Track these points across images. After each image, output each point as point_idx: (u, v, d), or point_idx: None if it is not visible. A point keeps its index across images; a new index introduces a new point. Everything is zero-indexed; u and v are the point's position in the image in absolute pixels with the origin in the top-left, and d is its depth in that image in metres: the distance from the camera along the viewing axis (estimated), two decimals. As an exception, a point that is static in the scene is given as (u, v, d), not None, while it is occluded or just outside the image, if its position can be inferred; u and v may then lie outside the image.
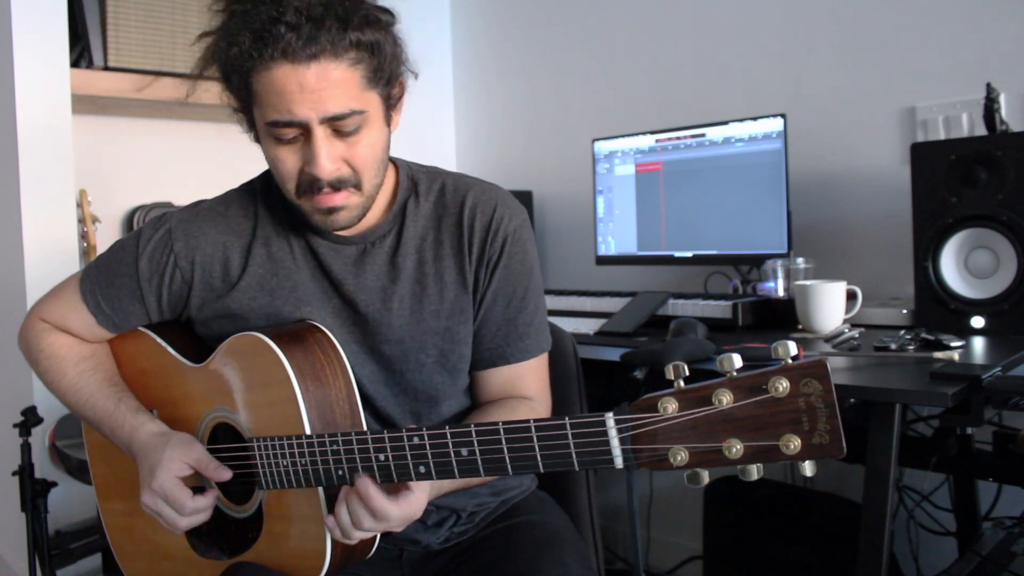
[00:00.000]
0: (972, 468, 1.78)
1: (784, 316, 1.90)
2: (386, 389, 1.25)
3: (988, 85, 1.75)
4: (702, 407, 0.83)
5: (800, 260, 1.99)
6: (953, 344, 1.50)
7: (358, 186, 1.14)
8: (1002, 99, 1.82)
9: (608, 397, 1.66)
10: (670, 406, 0.84)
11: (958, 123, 1.97)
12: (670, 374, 0.85)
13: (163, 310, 1.28)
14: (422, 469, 1.01)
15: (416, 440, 1.00)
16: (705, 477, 0.85)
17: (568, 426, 0.90)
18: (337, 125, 1.09)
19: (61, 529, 1.86)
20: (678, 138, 2.22)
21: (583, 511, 1.46)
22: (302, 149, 1.11)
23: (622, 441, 0.87)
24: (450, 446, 0.98)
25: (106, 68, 2.28)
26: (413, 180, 1.28)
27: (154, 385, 1.31)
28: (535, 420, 0.93)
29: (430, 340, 1.24)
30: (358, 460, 1.04)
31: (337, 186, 1.12)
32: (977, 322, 1.68)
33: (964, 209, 1.70)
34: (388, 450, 1.02)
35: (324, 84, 1.06)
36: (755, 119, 2.07)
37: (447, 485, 1.19)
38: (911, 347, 1.52)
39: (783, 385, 0.79)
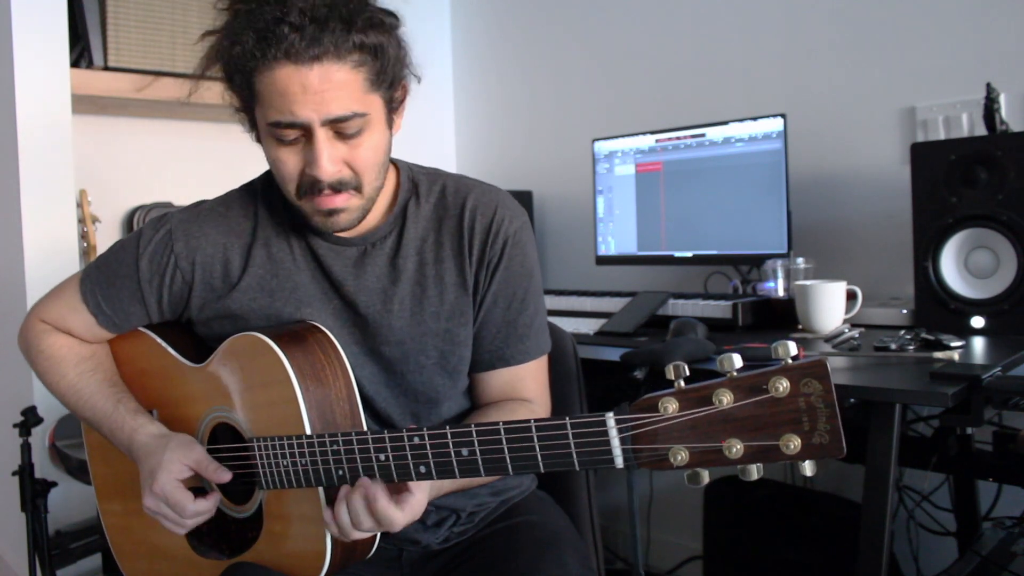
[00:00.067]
0: (972, 468, 1.78)
1: (784, 316, 1.90)
2: (386, 390, 1.25)
3: (988, 85, 1.75)
4: (702, 407, 0.83)
5: (800, 260, 1.99)
6: (953, 344, 1.50)
7: (359, 188, 1.14)
8: (1002, 99, 1.82)
9: (608, 397, 1.66)
10: (670, 406, 0.84)
11: (958, 123, 1.97)
12: (670, 374, 0.85)
13: (163, 311, 1.28)
14: (422, 469, 1.01)
15: (416, 440, 1.00)
16: (705, 477, 0.85)
17: (568, 426, 0.90)
18: (339, 127, 1.09)
19: (61, 529, 1.86)
20: (678, 138, 2.22)
21: (583, 511, 1.46)
22: (303, 150, 1.11)
23: (622, 441, 0.87)
24: (450, 446, 0.98)
25: (106, 68, 2.28)
26: (414, 182, 1.28)
27: (154, 385, 1.31)
28: (535, 420, 0.93)
29: (430, 342, 1.24)
30: (358, 460, 1.04)
31: (338, 188, 1.12)
32: (977, 322, 1.68)
33: (964, 209, 1.70)
34: (388, 450, 1.02)
35: (327, 86, 1.05)
36: (755, 119, 2.07)
37: (447, 485, 1.19)
38: (911, 347, 1.52)
39: (783, 385, 0.79)
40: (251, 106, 1.13)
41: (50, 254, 2.13)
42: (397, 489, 1.04)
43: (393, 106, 1.17)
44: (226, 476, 1.15)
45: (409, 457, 1.01)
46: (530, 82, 2.96)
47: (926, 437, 1.84)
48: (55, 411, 1.88)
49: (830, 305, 1.74)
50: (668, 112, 2.50)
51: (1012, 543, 1.74)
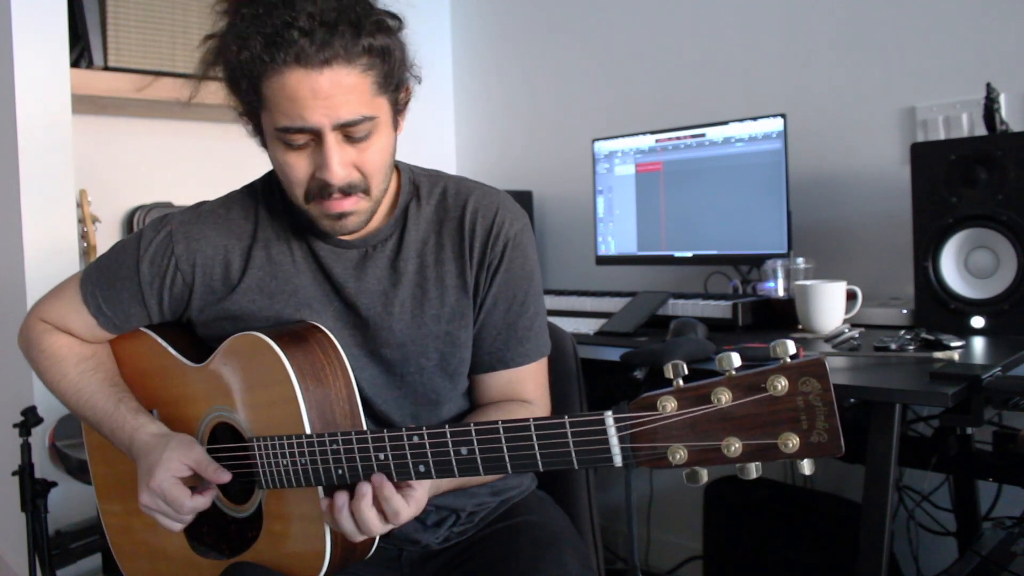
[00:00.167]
0: (972, 468, 1.78)
1: (784, 316, 1.90)
2: (386, 392, 1.25)
3: (988, 85, 1.75)
4: (701, 406, 0.83)
5: (800, 260, 1.99)
6: (953, 344, 1.50)
7: (367, 191, 1.14)
8: (1002, 99, 1.82)
9: (608, 397, 1.66)
10: (669, 405, 0.84)
11: (958, 123, 1.97)
12: (669, 373, 0.85)
13: (164, 312, 1.28)
14: (422, 468, 1.01)
15: (416, 439, 1.00)
16: (704, 476, 0.85)
17: (567, 425, 0.90)
18: (348, 131, 1.09)
19: (61, 529, 1.86)
20: (678, 138, 2.22)
21: (583, 511, 1.46)
22: (312, 155, 1.11)
23: (621, 440, 0.87)
24: (450, 445, 0.98)
25: (106, 68, 2.28)
26: (415, 184, 1.28)
27: (154, 385, 1.31)
28: (534, 419, 0.93)
29: (431, 344, 1.24)
30: (358, 459, 1.04)
31: (347, 191, 1.12)
32: (977, 322, 1.68)
33: (964, 209, 1.70)
34: (388, 449, 1.02)
35: (337, 90, 1.05)
36: (755, 119, 2.07)
37: (445, 484, 1.19)
38: (911, 347, 1.52)
39: (782, 384, 0.80)
40: (257, 111, 1.12)
41: (50, 254, 2.13)
42: (398, 487, 1.04)
43: (398, 108, 1.17)
44: (225, 477, 1.15)
45: (408, 456, 1.01)
46: (530, 82, 2.96)
47: (926, 437, 1.84)
48: (55, 411, 1.88)
49: (830, 305, 1.74)
50: (668, 112, 2.50)
51: (1012, 543, 1.74)
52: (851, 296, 1.78)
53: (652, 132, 2.29)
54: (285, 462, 1.10)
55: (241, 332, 1.19)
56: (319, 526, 1.11)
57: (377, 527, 1.03)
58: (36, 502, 1.69)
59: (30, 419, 1.69)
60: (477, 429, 0.96)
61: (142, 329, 1.32)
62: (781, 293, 2.01)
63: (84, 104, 2.31)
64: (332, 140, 1.08)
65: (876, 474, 1.33)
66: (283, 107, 1.06)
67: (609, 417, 0.88)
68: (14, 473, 1.70)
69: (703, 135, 2.17)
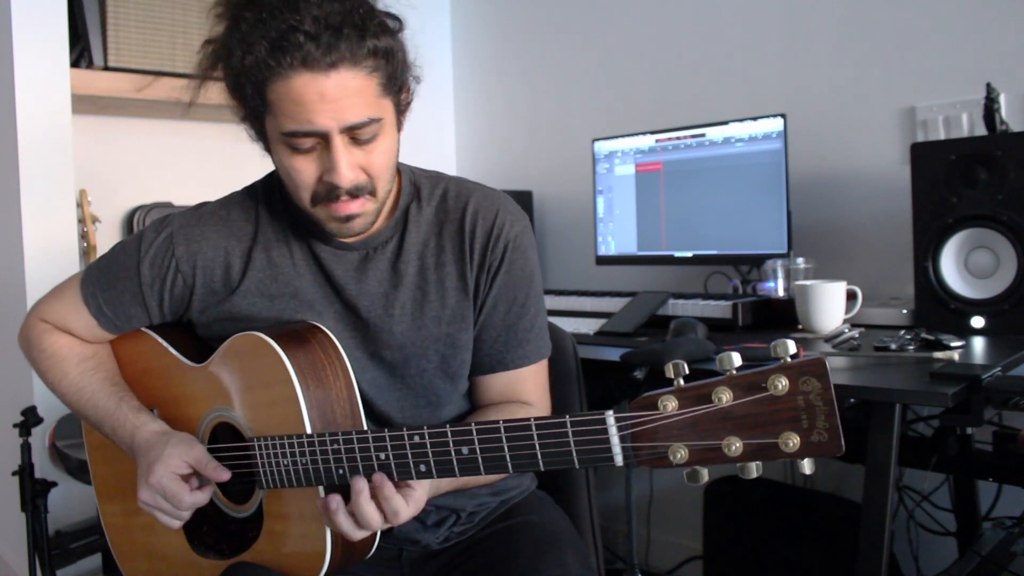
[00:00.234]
0: (972, 468, 1.78)
1: (784, 316, 1.90)
2: (387, 394, 1.25)
3: (988, 85, 1.75)
4: (702, 405, 0.83)
5: (800, 260, 1.99)
6: (953, 344, 1.50)
7: (373, 192, 1.14)
8: (1002, 99, 1.82)
9: (608, 397, 1.67)
10: (670, 404, 0.84)
11: (958, 123, 1.97)
12: (670, 372, 0.85)
13: (165, 313, 1.28)
14: (422, 468, 1.01)
15: (417, 439, 1.00)
16: (705, 475, 0.85)
17: (568, 424, 0.91)
18: (355, 133, 1.09)
19: (61, 529, 1.86)
20: (678, 138, 2.22)
21: (583, 511, 1.46)
22: (319, 158, 1.10)
23: (622, 439, 0.87)
24: (450, 444, 0.98)
25: (106, 68, 2.28)
26: (415, 185, 1.28)
27: (155, 385, 1.31)
28: (535, 419, 0.93)
29: (431, 346, 1.24)
30: (359, 459, 1.04)
31: (355, 193, 1.12)
32: (977, 322, 1.68)
33: (964, 209, 1.70)
34: (388, 448, 1.02)
35: (344, 93, 1.05)
36: (755, 119, 2.07)
37: (444, 485, 1.19)
38: (911, 347, 1.52)
39: (782, 383, 0.80)
40: (261, 116, 1.12)
41: (50, 254, 2.13)
42: (398, 486, 1.04)
43: (401, 108, 1.17)
44: (225, 475, 1.15)
45: (409, 456, 1.01)
46: (530, 82, 2.97)
47: (926, 437, 1.84)
48: (55, 411, 1.88)
49: (830, 305, 1.74)
50: (668, 112, 2.51)
51: (1012, 543, 1.75)
52: (851, 296, 1.78)
53: (652, 132, 2.29)
54: (286, 462, 1.10)
55: (242, 332, 1.19)
56: (319, 526, 1.11)
57: (376, 521, 1.03)
58: (36, 502, 1.69)
59: (30, 419, 1.69)
60: (478, 428, 0.96)
61: (143, 329, 1.32)
62: (781, 293, 2.01)
63: (84, 104, 2.31)
64: (339, 143, 1.08)
65: (876, 474, 1.33)
66: (290, 111, 1.06)
67: (610, 416, 0.88)
68: (14, 473, 1.70)
69: (703, 135, 2.17)
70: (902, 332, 1.62)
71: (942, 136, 1.98)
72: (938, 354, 1.43)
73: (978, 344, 1.61)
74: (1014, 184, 1.64)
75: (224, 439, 1.22)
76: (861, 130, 2.15)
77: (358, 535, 1.05)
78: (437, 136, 3.17)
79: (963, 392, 1.28)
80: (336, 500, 1.04)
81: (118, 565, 1.39)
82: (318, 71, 1.03)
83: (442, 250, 1.25)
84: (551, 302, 2.22)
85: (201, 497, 1.16)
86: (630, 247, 2.36)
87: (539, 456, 0.93)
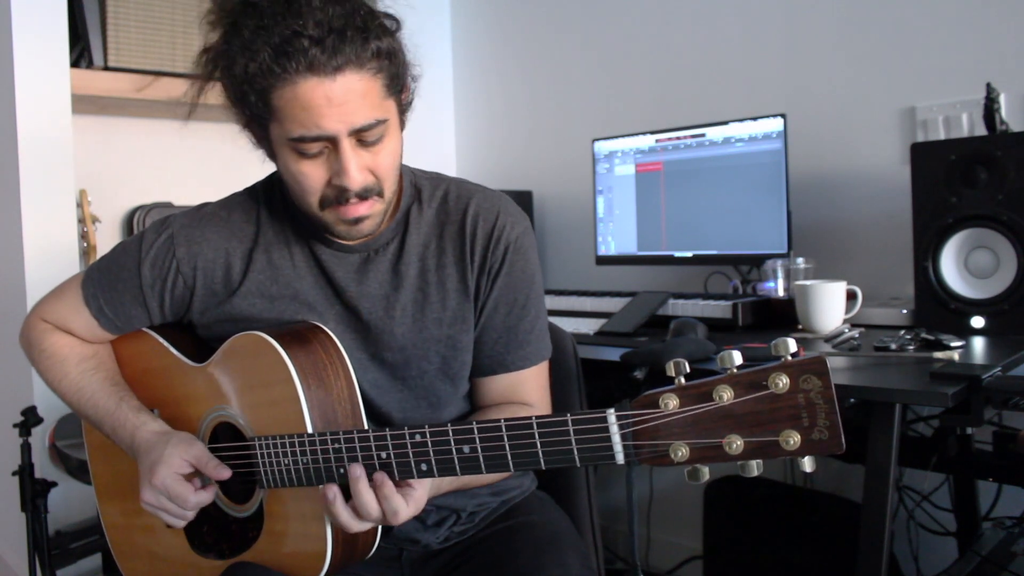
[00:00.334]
0: (972, 468, 1.78)
1: (784, 316, 1.90)
2: (388, 395, 1.25)
3: (988, 85, 1.75)
4: (703, 403, 0.83)
5: (800, 260, 1.99)
6: (953, 344, 1.50)
7: (381, 193, 1.14)
8: (1002, 99, 1.83)
9: (608, 397, 1.66)
10: (671, 402, 0.85)
11: (958, 123, 1.97)
12: (671, 371, 0.85)
13: (165, 314, 1.28)
14: (424, 467, 1.01)
15: (418, 437, 1.00)
16: (706, 473, 0.85)
17: (570, 422, 0.91)
18: (363, 136, 1.08)
19: (61, 529, 1.86)
20: (678, 138, 2.23)
21: (583, 511, 1.46)
22: (327, 162, 1.10)
23: (623, 437, 0.88)
24: (452, 443, 0.98)
25: (106, 68, 2.28)
26: (416, 187, 1.28)
27: (156, 384, 1.31)
28: (537, 417, 0.93)
29: (432, 348, 1.24)
30: (360, 458, 1.04)
31: (364, 195, 1.12)
32: (977, 322, 1.68)
33: (964, 209, 1.70)
34: (390, 448, 1.02)
35: (350, 96, 1.05)
36: (755, 119, 2.07)
37: (445, 484, 1.19)
38: (911, 347, 1.52)
39: (783, 381, 0.80)
40: (264, 122, 1.11)
41: (50, 254, 2.13)
42: (398, 485, 1.04)
43: (403, 108, 1.17)
44: (226, 473, 1.15)
45: (411, 455, 1.01)
46: (530, 82, 2.97)
47: (926, 437, 1.84)
48: (55, 411, 1.88)
49: (830, 305, 1.74)
50: (668, 112, 2.51)
51: (1012, 543, 1.75)
52: (851, 296, 1.78)
53: (652, 132, 2.29)
54: (287, 461, 1.10)
55: (242, 332, 1.19)
56: (320, 526, 1.11)
57: (375, 510, 1.03)
58: (36, 502, 1.69)
59: (30, 419, 1.69)
60: (479, 427, 0.96)
61: (144, 329, 1.32)
62: (781, 293, 2.01)
63: (84, 104, 2.31)
64: (347, 146, 1.08)
65: (876, 474, 1.33)
66: (297, 117, 1.06)
67: (611, 415, 0.88)
68: (14, 473, 1.70)
69: (703, 135, 2.17)
70: (902, 332, 1.62)
71: (942, 136, 1.98)
72: (938, 354, 1.43)
73: (978, 344, 1.61)
74: (1014, 184, 1.64)
75: (225, 439, 1.22)
76: (861, 130, 2.15)
77: (356, 526, 1.05)
78: (437, 136, 3.18)
79: (963, 392, 1.28)
80: (334, 490, 1.04)
81: (118, 565, 1.39)
82: (324, 75, 1.03)
83: (443, 252, 1.25)
84: (551, 302, 2.22)
85: (206, 496, 1.16)
86: (630, 247, 2.36)
87: (540, 454, 0.93)
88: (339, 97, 1.04)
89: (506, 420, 0.95)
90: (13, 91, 2.07)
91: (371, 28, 1.06)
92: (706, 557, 2.24)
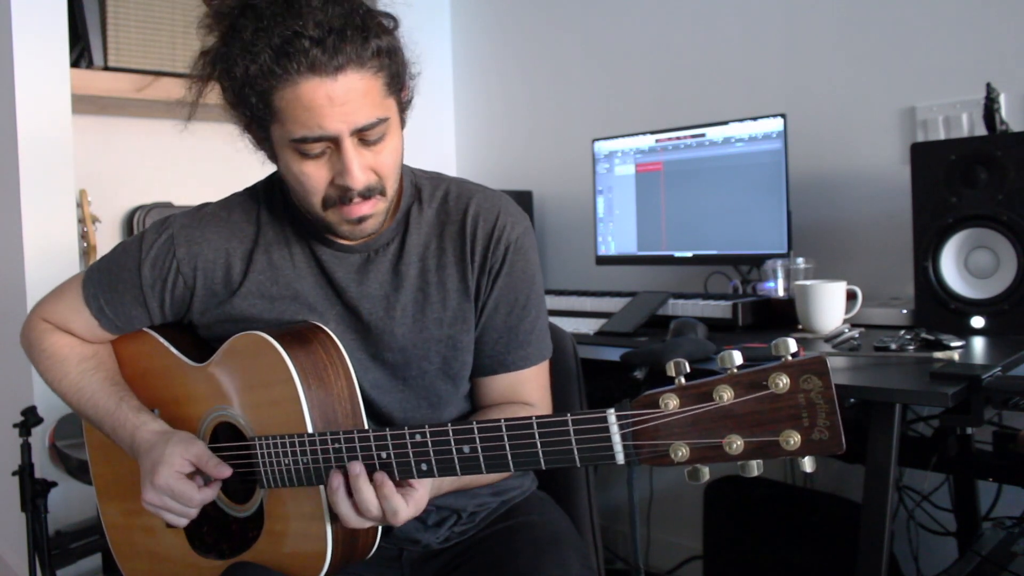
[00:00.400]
0: (972, 468, 1.78)
1: (784, 316, 1.90)
2: (388, 395, 1.25)
3: (988, 85, 1.75)
4: (703, 403, 0.83)
5: (800, 260, 1.99)
6: (953, 344, 1.50)
7: (383, 192, 1.14)
8: (1002, 99, 1.83)
9: (608, 397, 1.66)
10: (671, 402, 0.85)
11: (958, 123, 1.97)
12: (671, 371, 0.85)
13: (166, 314, 1.28)
14: (424, 466, 1.01)
15: (418, 437, 1.00)
16: (706, 473, 0.85)
17: (570, 422, 0.91)
18: (364, 135, 1.08)
19: (61, 529, 1.86)
20: (678, 138, 2.23)
21: (583, 511, 1.46)
22: (330, 162, 1.10)
23: (623, 437, 0.88)
24: (452, 443, 0.98)
25: (106, 68, 2.29)
26: (417, 187, 1.28)
27: (156, 384, 1.31)
28: (537, 417, 0.93)
29: (433, 348, 1.24)
30: (360, 458, 1.04)
31: (367, 195, 1.12)
32: (977, 322, 1.68)
33: (964, 209, 1.70)
34: (390, 447, 1.02)
35: (352, 95, 1.05)
36: (755, 119, 2.07)
37: (446, 485, 1.19)
38: (911, 347, 1.52)
39: (783, 381, 0.80)
40: (266, 124, 1.11)
41: (50, 254, 2.13)
42: (399, 485, 1.04)
43: (403, 106, 1.17)
44: (226, 472, 1.15)
45: (411, 454, 1.01)
46: (530, 82, 2.97)
47: (926, 437, 1.84)
48: (55, 411, 1.88)
49: (830, 305, 1.74)
50: (668, 112, 2.51)
51: (1012, 543, 1.75)
52: (851, 296, 1.78)
53: (652, 132, 2.29)
54: (287, 461, 1.10)
55: (243, 332, 1.19)
56: (320, 526, 1.11)
57: (374, 506, 1.03)
58: (36, 502, 1.69)
59: (30, 419, 1.69)
60: (480, 427, 0.96)
61: (144, 329, 1.32)
62: (781, 293, 2.01)
63: (84, 104, 2.31)
64: (350, 145, 1.08)
65: (876, 474, 1.33)
66: (299, 117, 1.05)
67: (611, 415, 0.88)
68: (14, 473, 1.70)
69: (703, 135, 2.17)
70: (902, 332, 1.62)
71: (942, 136, 1.98)
72: (938, 354, 1.43)
73: (978, 344, 1.61)
74: (1014, 184, 1.64)
75: (225, 439, 1.22)
76: (861, 130, 2.15)
77: (356, 521, 1.05)
78: (437, 136, 3.18)
79: (963, 392, 1.28)
80: (339, 479, 1.04)
81: (118, 565, 1.39)
82: (325, 75, 1.03)
83: (443, 252, 1.25)
84: (551, 302, 2.22)
85: (210, 493, 1.16)
86: (630, 247, 2.36)
87: (540, 455, 0.93)
88: (340, 97, 1.04)
89: (506, 420, 0.95)
90: (13, 91, 2.07)
91: (370, 27, 1.06)
92: (706, 557, 2.24)
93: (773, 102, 2.24)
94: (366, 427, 1.15)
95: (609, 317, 2.00)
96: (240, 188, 1.31)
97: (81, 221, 2.27)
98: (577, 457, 0.91)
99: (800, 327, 1.80)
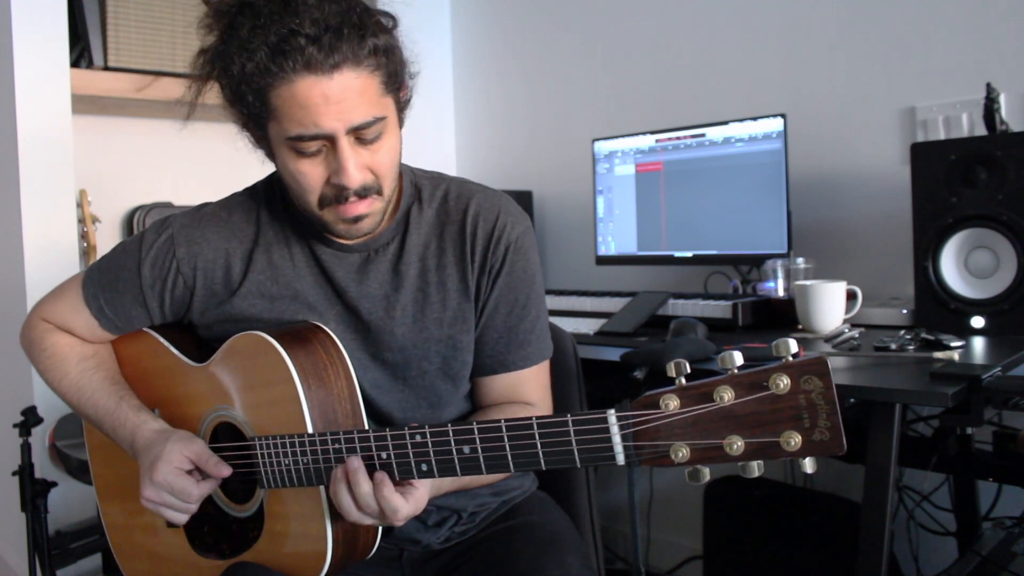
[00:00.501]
0: (972, 468, 1.78)
1: (784, 316, 1.90)
2: (389, 395, 1.25)
3: (988, 85, 1.75)
4: (703, 404, 0.83)
5: (800, 260, 1.99)
6: (953, 344, 1.50)
7: (380, 192, 1.14)
8: (1002, 99, 1.83)
9: (608, 397, 1.66)
10: (672, 403, 0.84)
11: (958, 123, 1.97)
12: (671, 371, 0.85)
13: (165, 314, 1.28)
14: (424, 467, 1.01)
15: (418, 438, 1.00)
16: (706, 474, 0.85)
17: (570, 423, 0.91)
18: (361, 134, 1.08)
19: (61, 529, 1.86)
20: (678, 138, 2.22)
21: (583, 511, 1.46)
22: (326, 160, 1.10)
23: (624, 438, 0.88)
24: (452, 443, 0.98)
25: (106, 68, 2.29)
26: (416, 187, 1.28)
27: (156, 384, 1.31)
28: (537, 417, 0.93)
29: (433, 348, 1.24)
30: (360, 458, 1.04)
31: (363, 194, 1.12)
32: (977, 322, 1.68)
33: (964, 209, 1.70)
34: (390, 448, 1.02)
35: (348, 94, 1.05)
36: (755, 119, 2.07)
37: (446, 485, 1.19)
38: (911, 347, 1.52)
39: (784, 382, 0.80)
40: (263, 122, 1.11)
41: (50, 254, 2.13)
42: (399, 484, 1.04)
43: (402, 106, 1.17)
44: (226, 471, 1.15)
45: (411, 455, 1.01)
46: (530, 82, 2.97)
47: (926, 437, 1.84)
48: (55, 411, 1.88)
49: (830, 305, 1.74)
50: (668, 112, 2.51)
51: (1012, 543, 1.75)
52: (851, 296, 1.78)
53: (652, 132, 2.29)
54: (287, 461, 1.10)
55: (243, 332, 1.19)
56: (320, 526, 1.11)
57: (373, 501, 1.03)
58: (36, 502, 1.69)
59: (30, 419, 1.69)
60: (480, 428, 0.96)
61: (144, 329, 1.32)
62: (781, 293, 2.01)
63: (84, 104, 2.31)
64: (346, 144, 1.08)
65: (876, 474, 1.33)
66: (295, 115, 1.06)
67: (612, 415, 0.88)
68: (14, 473, 1.70)
69: (703, 135, 2.17)
70: (902, 332, 1.62)
71: (942, 136, 1.98)
72: (938, 354, 1.43)
73: (978, 344, 1.61)
74: (1014, 184, 1.64)
75: (225, 439, 1.22)
76: (861, 130, 2.15)
77: (356, 516, 1.04)
78: (437, 136, 3.18)
79: (963, 392, 1.28)
80: (341, 470, 1.04)
81: (119, 565, 1.39)
82: (321, 73, 1.03)
83: (443, 252, 1.25)
84: (551, 302, 2.22)
85: (207, 487, 1.16)
86: (630, 247, 2.36)
87: (541, 455, 0.93)
88: (336, 95, 1.04)
89: (506, 420, 0.95)
90: (13, 91, 2.07)
91: (368, 25, 1.06)
92: (706, 557, 2.24)
93: (773, 102, 2.24)
94: (366, 427, 1.15)
95: (609, 317, 2.00)
96: (240, 188, 1.31)
97: (81, 221, 2.27)
98: (577, 458, 0.91)
99: (800, 327, 1.80)
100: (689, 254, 2.23)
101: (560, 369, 1.45)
